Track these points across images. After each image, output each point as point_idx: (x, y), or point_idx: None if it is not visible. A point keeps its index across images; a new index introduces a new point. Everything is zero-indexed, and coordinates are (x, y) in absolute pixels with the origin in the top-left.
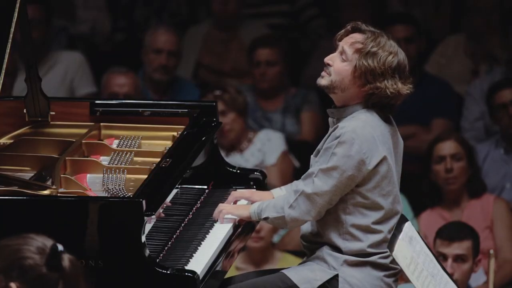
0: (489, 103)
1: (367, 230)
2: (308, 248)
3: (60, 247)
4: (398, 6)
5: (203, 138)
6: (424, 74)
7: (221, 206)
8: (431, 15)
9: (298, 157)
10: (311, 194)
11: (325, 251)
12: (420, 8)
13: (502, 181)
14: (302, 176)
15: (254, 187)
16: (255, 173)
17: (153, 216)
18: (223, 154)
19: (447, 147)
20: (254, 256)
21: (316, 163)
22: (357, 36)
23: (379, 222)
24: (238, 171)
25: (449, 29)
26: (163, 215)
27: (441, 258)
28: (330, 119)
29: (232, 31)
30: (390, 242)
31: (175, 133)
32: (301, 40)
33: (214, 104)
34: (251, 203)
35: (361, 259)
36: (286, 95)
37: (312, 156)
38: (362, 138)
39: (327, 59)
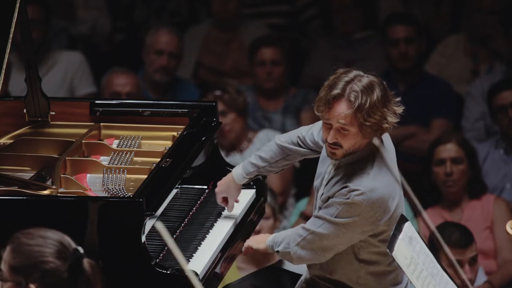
0: (489, 104)
1: (383, 273)
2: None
3: (81, 251)
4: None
5: (203, 138)
6: (424, 74)
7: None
8: (431, 15)
9: None
10: (317, 239)
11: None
12: (420, 8)
13: (502, 182)
14: (315, 214)
15: (254, 187)
16: None
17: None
18: (223, 154)
19: (447, 150)
20: (254, 256)
21: (325, 209)
22: (341, 108)
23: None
24: None
25: (449, 29)
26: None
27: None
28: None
29: (232, 31)
30: (390, 242)
31: (175, 133)
32: (301, 40)
33: (214, 104)
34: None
35: None
36: (286, 95)
37: (320, 200)
38: (374, 200)
39: (331, 140)
